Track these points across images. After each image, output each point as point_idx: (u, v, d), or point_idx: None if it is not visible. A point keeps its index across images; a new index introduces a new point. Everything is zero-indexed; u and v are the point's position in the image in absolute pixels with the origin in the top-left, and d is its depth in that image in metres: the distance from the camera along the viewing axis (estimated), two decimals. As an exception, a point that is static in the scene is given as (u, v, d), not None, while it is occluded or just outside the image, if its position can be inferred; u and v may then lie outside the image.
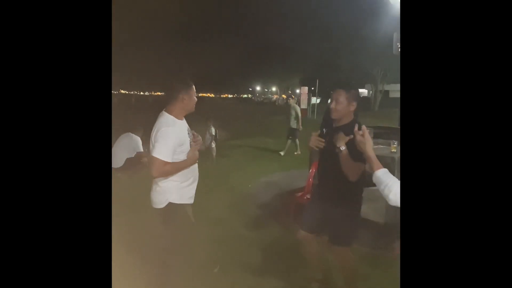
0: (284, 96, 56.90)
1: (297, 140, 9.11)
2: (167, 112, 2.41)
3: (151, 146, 2.37)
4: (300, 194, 4.68)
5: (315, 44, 26.79)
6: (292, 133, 9.06)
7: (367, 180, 1.90)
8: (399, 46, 11.10)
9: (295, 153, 9.06)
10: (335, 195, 2.47)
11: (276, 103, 51.73)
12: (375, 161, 1.77)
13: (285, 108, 9.12)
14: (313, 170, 4.20)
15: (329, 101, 2.64)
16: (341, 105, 2.36)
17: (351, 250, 2.54)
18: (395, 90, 30.28)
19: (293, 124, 9.01)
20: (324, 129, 2.57)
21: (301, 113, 9.36)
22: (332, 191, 2.50)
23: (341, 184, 2.37)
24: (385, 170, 1.69)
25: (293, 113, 8.99)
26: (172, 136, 2.32)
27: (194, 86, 2.48)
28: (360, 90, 44.42)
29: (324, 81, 22.99)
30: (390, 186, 1.59)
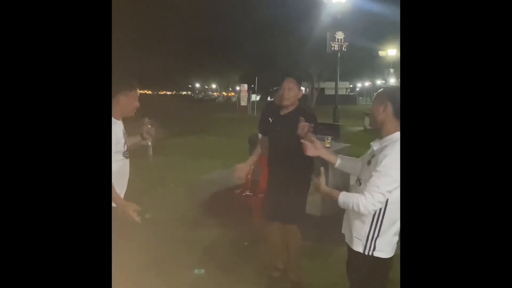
0: (224, 93, 56.63)
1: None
2: None
3: None
4: (238, 191, 4.70)
5: (253, 42, 27.03)
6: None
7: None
8: (332, 44, 11.65)
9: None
10: (290, 180, 2.61)
11: (217, 100, 51.40)
12: (329, 156, 2.02)
13: (228, 105, 8.35)
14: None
15: (269, 98, 2.74)
16: (293, 92, 2.52)
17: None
18: (330, 87, 31.69)
19: None
20: (270, 118, 2.70)
21: (241, 110, 9.16)
22: (286, 176, 2.62)
23: (294, 169, 2.56)
24: (343, 193, 1.73)
25: None
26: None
27: (137, 90, 2.29)
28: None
29: (263, 78, 23.30)
30: (355, 204, 1.65)
